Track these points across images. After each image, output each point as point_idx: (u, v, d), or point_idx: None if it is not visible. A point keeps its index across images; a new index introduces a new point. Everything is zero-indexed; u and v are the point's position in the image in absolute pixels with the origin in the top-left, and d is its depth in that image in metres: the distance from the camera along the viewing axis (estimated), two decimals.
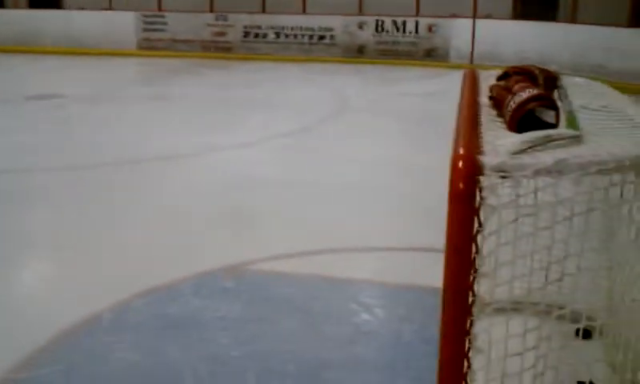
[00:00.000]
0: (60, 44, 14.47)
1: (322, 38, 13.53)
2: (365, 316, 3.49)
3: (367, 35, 13.26)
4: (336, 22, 13.42)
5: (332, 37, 13.46)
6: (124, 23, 14.36)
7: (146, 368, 2.97)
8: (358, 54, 13.30)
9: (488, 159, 1.57)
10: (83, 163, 6.25)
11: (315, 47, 13.57)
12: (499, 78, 2.36)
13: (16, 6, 16.25)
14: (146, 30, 14.34)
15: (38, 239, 4.61)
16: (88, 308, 3.42)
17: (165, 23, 14.26)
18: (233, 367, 2.98)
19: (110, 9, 15.03)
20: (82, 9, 15.06)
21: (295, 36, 13.68)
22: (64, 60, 13.64)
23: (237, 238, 4.47)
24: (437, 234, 4.05)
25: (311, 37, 13.58)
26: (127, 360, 3.01)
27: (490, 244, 1.63)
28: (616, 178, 1.72)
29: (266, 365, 3.00)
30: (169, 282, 3.77)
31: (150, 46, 14.32)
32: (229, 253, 4.19)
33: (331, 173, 6.01)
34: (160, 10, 14.59)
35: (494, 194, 1.57)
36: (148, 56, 14.01)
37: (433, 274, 3.55)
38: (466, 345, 1.66)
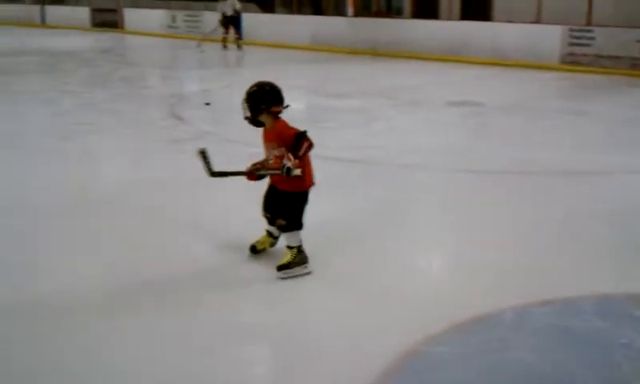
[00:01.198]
0: (485, 55, 15.17)
1: None
2: None
3: None
4: None
5: None
6: (549, 37, 14.37)
7: (541, 373, 3.04)
8: None
9: None
10: (480, 168, 6.54)
11: None
12: None
13: (449, 18, 17.52)
14: (571, 44, 14.11)
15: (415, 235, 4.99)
16: (489, 305, 3.63)
17: (592, 38, 13.84)
18: None
19: (538, 22, 15.18)
20: (510, 21, 15.52)
21: None
22: (488, 70, 14.28)
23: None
24: None
25: None
26: (523, 360, 3.12)
27: None
28: None
29: None
30: (566, 297, 3.77)
31: (574, 60, 14.06)
32: (633, 280, 4.01)
33: None
34: (588, 24, 14.22)
35: None
36: (570, 71, 13.81)
37: None
38: None
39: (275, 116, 4.01)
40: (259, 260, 4.23)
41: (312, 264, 4.10)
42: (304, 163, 3.94)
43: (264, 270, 4.09)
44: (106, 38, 23.74)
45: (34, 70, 15.18)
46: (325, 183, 5.98)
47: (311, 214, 4.93)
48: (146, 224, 4.90)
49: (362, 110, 9.81)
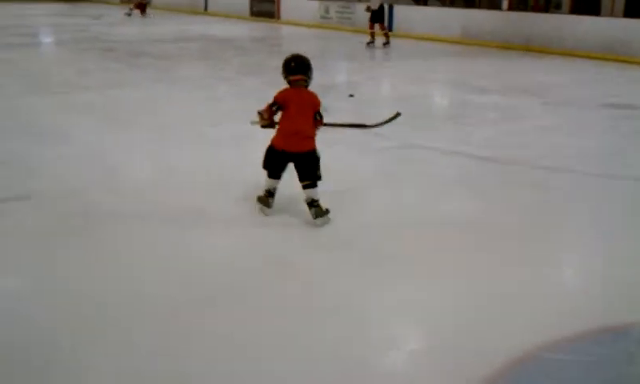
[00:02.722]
0: None
1: None
2: None
3: None
4: None
5: None
6: None
7: None
8: None
9: None
10: (630, 175, 6.21)
11: None
12: None
13: (612, 15, 16.54)
14: None
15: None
16: (621, 317, 3.50)
17: None
18: None
19: None
20: None
21: None
22: None
23: None
24: None
25: None
26: None
27: None
28: None
29: None
30: None
31: None
32: None
33: None
34: None
35: None
36: None
37: None
38: None
39: (290, 84, 4.99)
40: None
41: (445, 260, 4.19)
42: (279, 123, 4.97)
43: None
44: (262, 27, 24.67)
45: (194, 56, 16.12)
46: (459, 180, 6.00)
47: (445, 210, 4.94)
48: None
49: (507, 108, 9.56)
